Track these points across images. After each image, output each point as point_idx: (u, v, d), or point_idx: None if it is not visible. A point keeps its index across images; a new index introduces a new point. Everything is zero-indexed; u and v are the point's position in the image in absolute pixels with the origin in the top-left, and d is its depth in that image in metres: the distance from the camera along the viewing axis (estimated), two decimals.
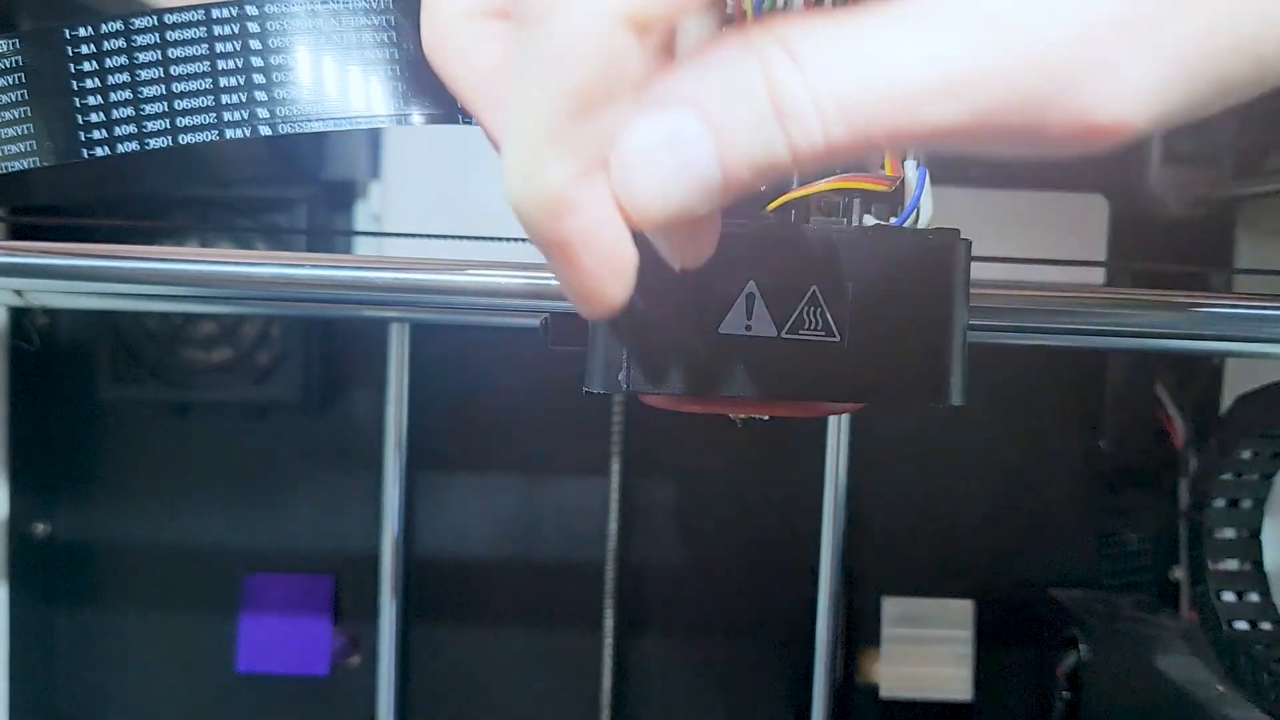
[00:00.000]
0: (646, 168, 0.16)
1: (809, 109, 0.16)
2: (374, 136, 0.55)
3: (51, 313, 0.57)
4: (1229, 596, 0.44)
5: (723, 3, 0.23)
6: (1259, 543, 0.44)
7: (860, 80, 0.16)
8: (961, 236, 0.25)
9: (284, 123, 0.27)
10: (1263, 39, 0.16)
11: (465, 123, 0.27)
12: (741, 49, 0.16)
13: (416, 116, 0.27)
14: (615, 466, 0.59)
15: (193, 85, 0.27)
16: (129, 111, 0.27)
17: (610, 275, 0.17)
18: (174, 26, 0.27)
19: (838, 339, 0.24)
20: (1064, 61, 0.16)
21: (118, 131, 0.27)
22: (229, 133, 0.27)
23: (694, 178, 0.16)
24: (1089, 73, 0.16)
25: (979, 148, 0.17)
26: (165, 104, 0.27)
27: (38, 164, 0.27)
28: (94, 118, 0.27)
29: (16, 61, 0.27)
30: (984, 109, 0.16)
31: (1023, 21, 0.16)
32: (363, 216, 0.58)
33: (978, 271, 0.25)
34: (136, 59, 0.27)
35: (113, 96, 0.27)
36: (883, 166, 0.26)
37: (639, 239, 0.19)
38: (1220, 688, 0.43)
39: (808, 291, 0.24)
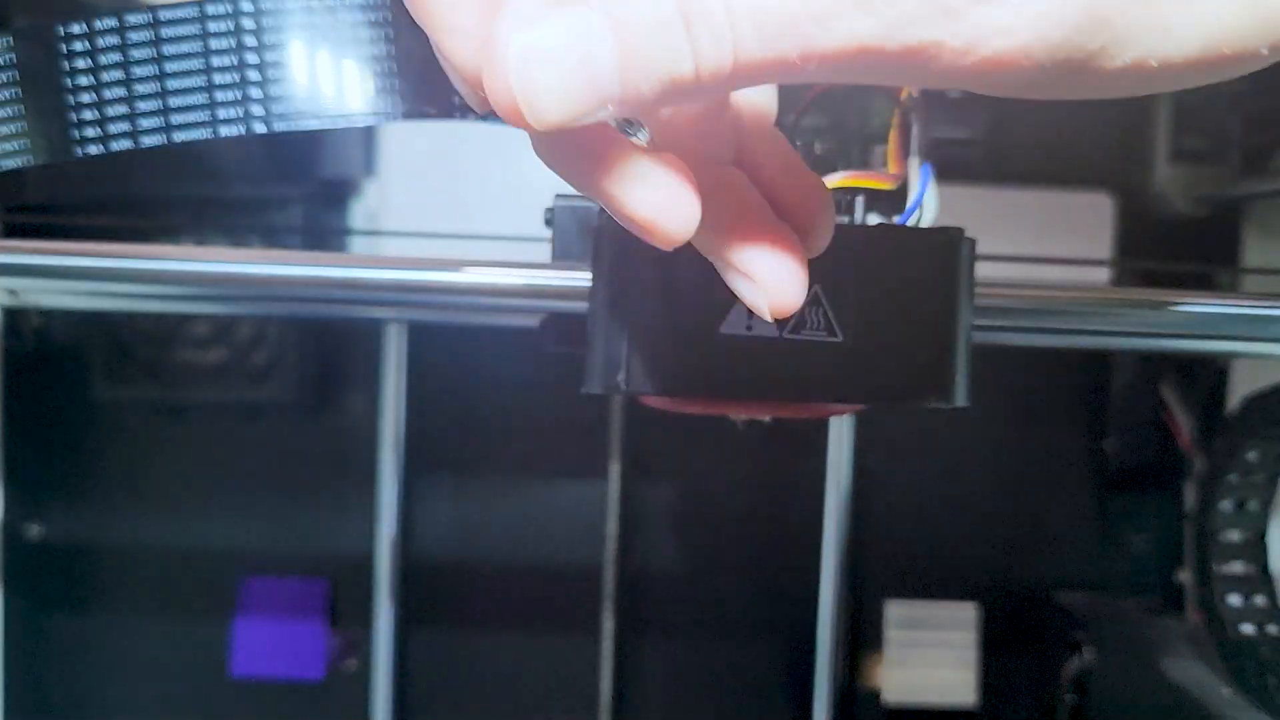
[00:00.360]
0: (546, 67, 0.16)
1: (721, 17, 0.15)
2: (370, 134, 0.55)
3: (46, 313, 0.57)
4: (1235, 599, 0.44)
5: None
6: (1265, 545, 0.44)
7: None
8: (965, 235, 0.24)
9: (279, 120, 0.26)
10: None
11: (462, 119, 0.27)
12: None
13: (412, 114, 0.27)
14: (614, 468, 0.58)
15: (187, 82, 0.26)
16: (123, 109, 0.27)
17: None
18: (168, 23, 0.26)
19: (840, 339, 0.23)
20: None
21: (111, 129, 0.27)
22: (223, 130, 0.26)
23: (593, 83, 0.16)
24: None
25: (879, 75, 0.16)
26: (159, 101, 0.27)
27: (31, 162, 0.27)
28: (87, 115, 0.26)
29: (9, 59, 0.26)
30: (894, 21, 0.15)
31: None
32: (358, 215, 0.58)
33: (981, 270, 0.25)
34: (130, 56, 0.26)
35: (106, 94, 0.27)
36: (885, 165, 0.26)
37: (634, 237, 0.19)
38: (1226, 691, 0.43)
39: (809, 292, 0.23)
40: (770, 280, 0.19)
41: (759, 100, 0.22)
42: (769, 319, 0.19)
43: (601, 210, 0.29)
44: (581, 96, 0.16)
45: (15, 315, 0.55)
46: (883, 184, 0.25)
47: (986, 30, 0.16)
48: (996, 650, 0.59)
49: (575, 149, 0.18)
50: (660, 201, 0.18)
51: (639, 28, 0.16)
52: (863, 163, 0.29)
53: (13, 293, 0.34)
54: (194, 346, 0.56)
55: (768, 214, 0.20)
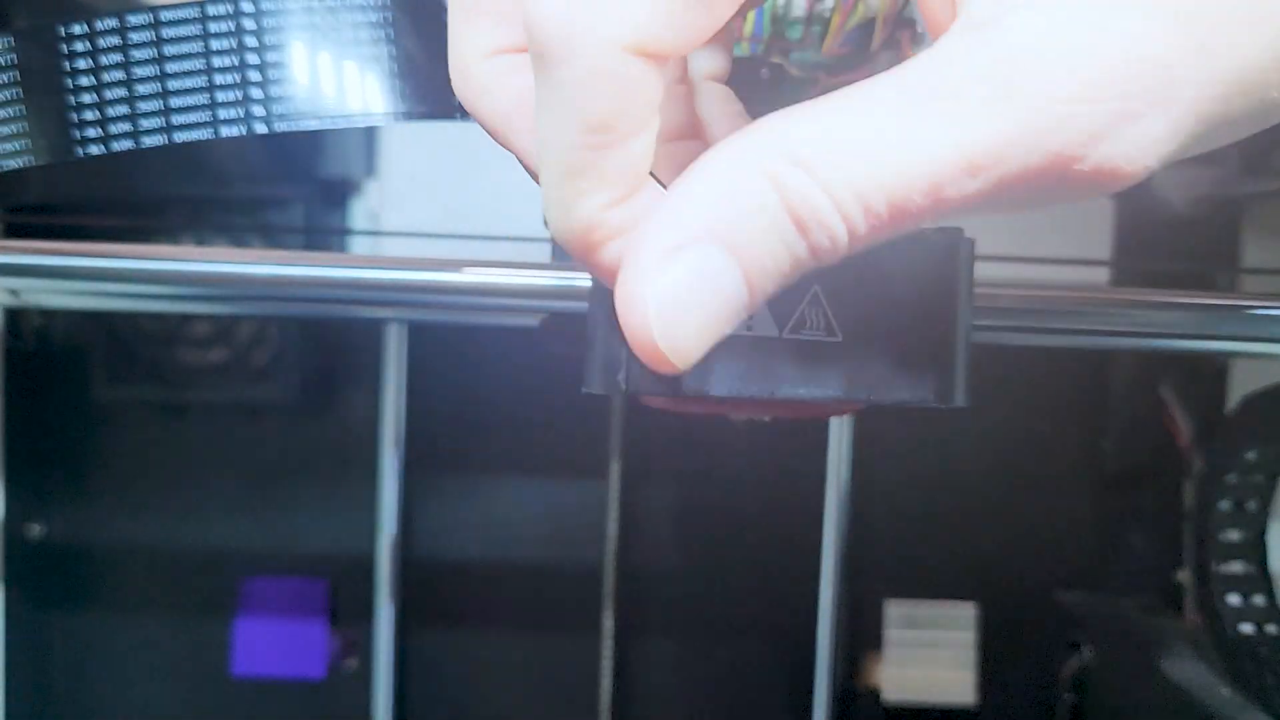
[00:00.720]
0: (684, 314, 0.16)
1: (830, 213, 0.16)
2: (370, 134, 0.55)
3: (46, 313, 0.57)
4: (1234, 599, 0.44)
5: (728, 29, 0.23)
6: (1264, 545, 0.44)
7: (877, 172, 0.16)
8: (965, 235, 0.24)
9: (279, 120, 0.27)
10: (1271, 82, 0.16)
11: (462, 120, 0.27)
12: (745, 167, 0.16)
13: (413, 114, 0.27)
14: (614, 468, 0.58)
15: (187, 83, 0.27)
16: (124, 109, 0.27)
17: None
18: (169, 23, 0.26)
19: (839, 339, 0.23)
20: (1086, 119, 0.15)
21: (112, 129, 0.27)
22: (224, 130, 0.27)
23: (725, 307, 0.17)
24: (1112, 126, 0.16)
25: (999, 209, 0.17)
26: (160, 101, 0.27)
27: (32, 162, 0.27)
28: (88, 115, 0.27)
29: (10, 59, 0.26)
30: (1007, 178, 0.16)
31: (1037, 84, 0.15)
32: (359, 215, 0.58)
33: (981, 271, 0.25)
34: (131, 56, 0.26)
35: (107, 94, 0.27)
36: None
37: None
38: (1225, 691, 0.43)
39: (809, 291, 0.23)
40: None
41: (710, 67, 0.22)
42: None
43: None
44: (719, 324, 0.17)
45: (16, 315, 0.55)
46: None
47: (1115, 152, 0.16)
48: (995, 650, 0.59)
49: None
50: None
51: (758, 249, 0.16)
52: None
53: (14, 293, 0.34)
54: (195, 346, 0.57)
55: None
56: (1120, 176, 0.16)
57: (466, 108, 0.21)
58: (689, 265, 0.16)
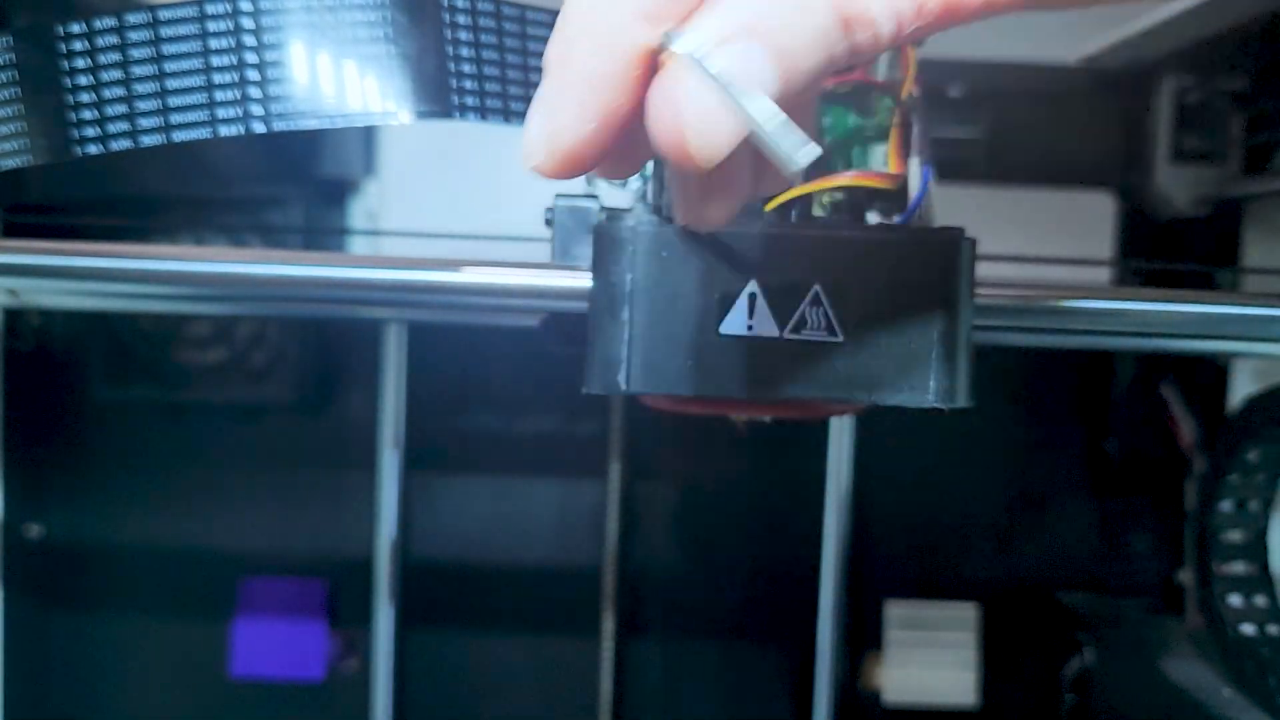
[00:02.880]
0: (716, 109, 0.16)
1: (881, 10, 0.16)
2: (369, 133, 0.55)
3: (46, 314, 0.57)
4: (1236, 600, 0.44)
5: None
6: (1266, 545, 0.44)
7: None
8: (966, 235, 0.24)
9: (278, 119, 0.26)
10: None
11: (461, 119, 0.27)
12: None
13: (412, 113, 0.27)
14: (615, 468, 0.58)
15: (186, 82, 0.26)
16: (122, 108, 0.27)
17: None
18: (167, 23, 0.26)
19: (840, 339, 0.23)
20: None
21: (111, 129, 0.27)
22: (223, 130, 0.26)
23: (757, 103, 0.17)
24: None
25: (1047, 3, 0.17)
26: (158, 101, 0.27)
27: (30, 162, 0.27)
28: (87, 115, 0.26)
29: (9, 59, 0.26)
30: None
31: None
32: (358, 214, 0.58)
33: (982, 270, 0.25)
34: (129, 55, 0.26)
35: (105, 93, 0.27)
36: (886, 165, 0.26)
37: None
38: (1227, 692, 0.43)
39: (810, 291, 0.23)
40: None
41: None
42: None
43: (601, 209, 0.29)
44: (745, 122, 0.17)
45: (15, 315, 0.55)
46: (882, 184, 0.25)
47: None
48: (997, 650, 0.59)
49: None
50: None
51: (799, 46, 0.17)
52: (863, 162, 0.29)
53: (13, 293, 0.34)
54: (194, 346, 0.56)
55: None
56: None
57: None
58: (730, 62, 0.16)
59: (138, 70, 0.27)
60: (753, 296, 0.24)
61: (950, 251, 0.24)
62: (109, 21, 0.26)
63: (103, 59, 0.27)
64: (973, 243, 0.24)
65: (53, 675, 0.59)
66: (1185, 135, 0.51)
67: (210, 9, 0.26)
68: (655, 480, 0.59)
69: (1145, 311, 0.31)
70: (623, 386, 0.24)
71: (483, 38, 0.27)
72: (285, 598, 0.59)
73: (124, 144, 0.27)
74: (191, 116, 0.27)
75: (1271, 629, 0.43)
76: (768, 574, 0.59)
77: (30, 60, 0.27)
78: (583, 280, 0.26)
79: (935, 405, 0.24)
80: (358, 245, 0.57)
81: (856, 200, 0.27)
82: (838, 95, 0.30)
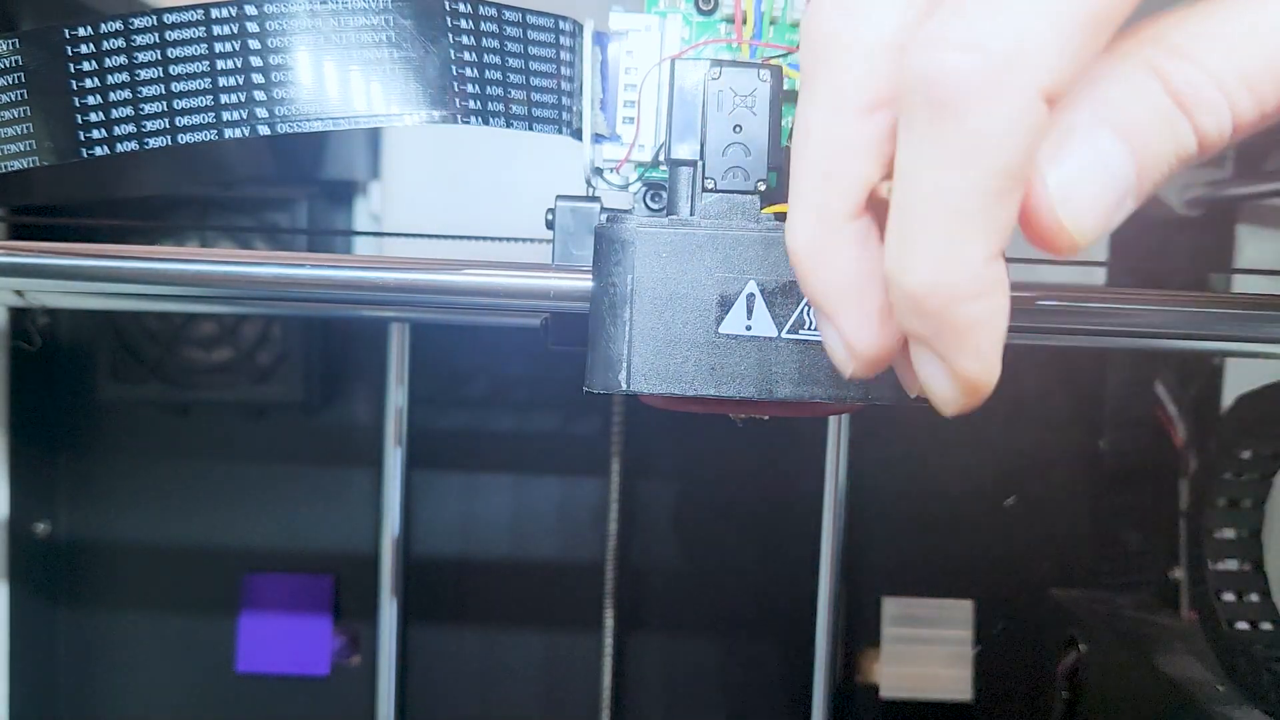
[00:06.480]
0: (1082, 194, 0.17)
1: (1212, 92, 0.16)
2: (373, 136, 0.55)
3: (52, 312, 0.57)
4: (1229, 597, 0.44)
5: None
6: (1259, 543, 0.44)
7: (1261, 52, 0.16)
8: None
9: (283, 122, 0.27)
10: None
11: (464, 123, 0.27)
12: (1123, 61, 0.16)
13: (416, 116, 0.27)
14: (615, 466, 0.59)
15: (192, 85, 0.27)
16: (128, 111, 0.27)
17: (996, 355, 0.17)
18: (173, 26, 0.27)
19: None
20: None
21: (117, 131, 0.27)
22: (228, 132, 0.27)
23: (1119, 191, 0.17)
24: None
25: None
26: (164, 103, 0.27)
27: (37, 163, 0.27)
28: (93, 117, 0.27)
29: (16, 61, 0.27)
30: None
31: None
32: (362, 216, 0.58)
33: None
34: (136, 59, 0.27)
35: (112, 96, 0.27)
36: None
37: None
38: (1220, 688, 0.43)
39: None
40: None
41: None
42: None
43: (602, 211, 0.29)
44: (1113, 207, 0.17)
45: (22, 315, 0.55)
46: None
47: None
48: (992, 646, 0.59)
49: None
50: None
51: (1145, 130, 0.16)
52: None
53: (19, 293, 0.34)
54: (199, 346, 0.57)
55: None
56: None
57: (802, 263, 0.18)
58: (1084, 149, 0.16)
59: (144, 73, 0.27)
60: (751, 297, 0.24)
61: None
62: (115, 25, 0.27)
63: (109, 62, 0.27)
64: None
65: (59, 671, 0.59)
66: None
67: (216, 13, 0.26)
68: (655, 478, 0.60)
69: (1138, 312, 0.31)
70: (623, 386, 0.24)
71: (485, 41, 0.28)
72: (290, 594, 0.59)
73: (130, 146, 0.27)
74: (197, 119, 0.27)
75: (1265, 626, 0.43)
76: (766, 570, 0.60)
77: (37, 63, 0.27)
78: (584, 281, 0.27)
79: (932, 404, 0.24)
80: (362, 246, 0.57)
81: None
82: None
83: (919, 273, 0.16)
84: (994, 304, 0.16)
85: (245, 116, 0.27)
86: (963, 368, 0.17)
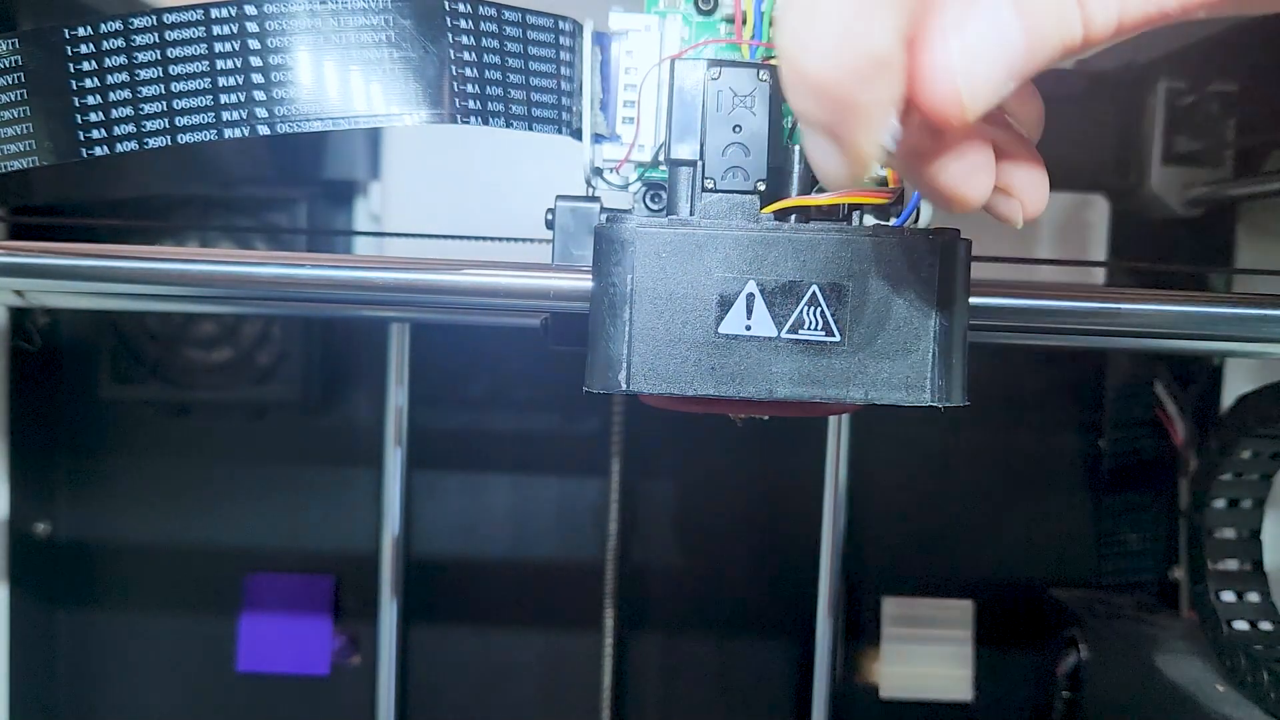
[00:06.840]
0: (977, 65, 0.17)
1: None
2: (373, 136, 0.55)
3: (52, 313, 0.57)
4: (1229, 596, 0.44)
5: None
6: (1259, 543, 0.44)
7: None
8: (961, 236, 0.25)
9: (282, 122, 0.27)
10: None
11: (464, 123, 0.27)
12: None
13: (416, 116, 0.27)
14: (615, 466, 0.59)
15: (191, 85, 0.27)
16: (128, 111, 0.27)
17: (885, 134, 0.17)
18: (173, 26, 0.27)
19: (837, 339, 0.24)
20: None
21: (117, 131, 0.27)
22: (228, 132, 0.27)
23: (1010, 65, 0.17)
24: None
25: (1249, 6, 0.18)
26: (164, 104, 0.27)
27: (37, 163, 0.27)
28: (93, 117, 0.27)
29: (16, 61, 0.26)
30: None
31: None
32: (362, 216, 0.58)
33: (978, 271, 0.25)
34: (135, 59, 0.27)
35: (112, 96, 0.27)
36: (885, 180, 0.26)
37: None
38: (1220, 687, 0.43)
39: (807, 292, 0.24)
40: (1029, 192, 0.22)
41: None
42: (1020, 226, 0.21)
43: (602, 211, 0.29)
44: (1003, 80, 0.18)
45: (22, 315, 0.55)
46: (880, 199, 0.25)
47: None
48: (992, 646, 0.59)
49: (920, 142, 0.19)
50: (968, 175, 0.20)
51: (1040, 10, 0.17)
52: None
53: (19, 293, 0.34)
54: (200, 346, 0.57)
55: (1013, 130, 0.22)
56: None
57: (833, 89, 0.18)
58: (986, 15, 0.17)
59: (143, 73, 0.27)
60: (751, 297, 0.24)
61: (946, 252, 0.24)
62: (115, 25, 0.27)
63: (109, 62, 0.27)
64: (968, 244, 0.25)
65: (59, 671, 0.59)
66: (1178, 138, 0.52)
67: (215, 13, 0.26)
68: (655, 478, 0.60)
69: (1139, 312, 0.31)
70: (623, 385, 0.24)
71: (485, 41, 0.28)
72: (290, 594, 0.59)
73: (130, 146, 0.27)
74: (197, 119, 0.27)
75: (1264, 625, 0.43)
76: (766, 570, 0.60)
77: (37, 63, 0.27)
78: (584, 281, 0.27)
79: (932, 404, 0.24)
80: (361, 246, 0.57)
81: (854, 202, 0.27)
82: None
83: (821, 50, 0.16)
84: (891, 87, 0.17)
85: (245, 116, 0.27)
86: (856, 143, 0.17)
